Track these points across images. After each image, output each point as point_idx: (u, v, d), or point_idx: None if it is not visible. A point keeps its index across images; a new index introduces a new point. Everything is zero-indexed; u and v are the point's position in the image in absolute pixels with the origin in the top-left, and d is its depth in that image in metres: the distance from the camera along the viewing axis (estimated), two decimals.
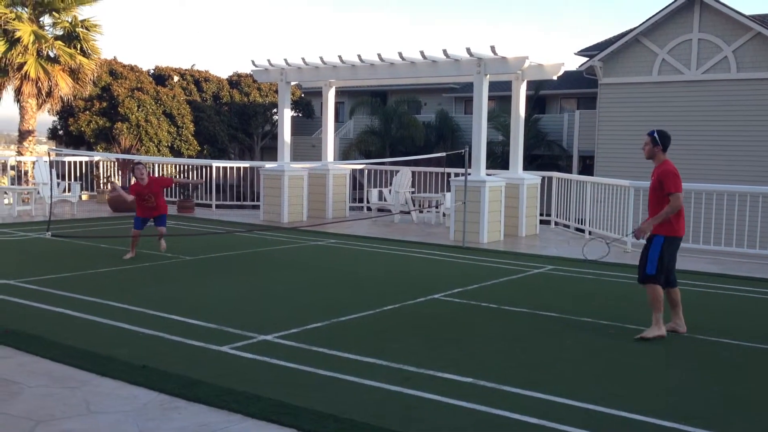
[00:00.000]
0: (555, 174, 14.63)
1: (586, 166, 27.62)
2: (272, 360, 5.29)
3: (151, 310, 6.73)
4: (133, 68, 29.05)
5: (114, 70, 28.14)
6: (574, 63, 36.90)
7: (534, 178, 13.56)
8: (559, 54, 31.43)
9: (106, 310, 6.72)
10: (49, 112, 20.88)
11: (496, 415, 4.29)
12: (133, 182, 10.44)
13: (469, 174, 12.06)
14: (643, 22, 23.78)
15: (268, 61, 14.63)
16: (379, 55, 13.06)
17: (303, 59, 14.13)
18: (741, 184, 19.18)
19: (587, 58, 25.55)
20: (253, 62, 14.81)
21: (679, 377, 5.16)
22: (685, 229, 6.55)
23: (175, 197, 17.87)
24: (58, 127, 28.90)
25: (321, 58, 13.83)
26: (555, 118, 31.20)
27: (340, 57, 13.58)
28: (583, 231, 13.26)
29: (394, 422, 4.14)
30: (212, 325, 6.21)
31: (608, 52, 24.47)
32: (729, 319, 6.97)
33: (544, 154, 29.59)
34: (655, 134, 6.37)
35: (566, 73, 15.22)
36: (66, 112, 26.65)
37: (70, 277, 8.41)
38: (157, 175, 18.73)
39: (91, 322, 6.32)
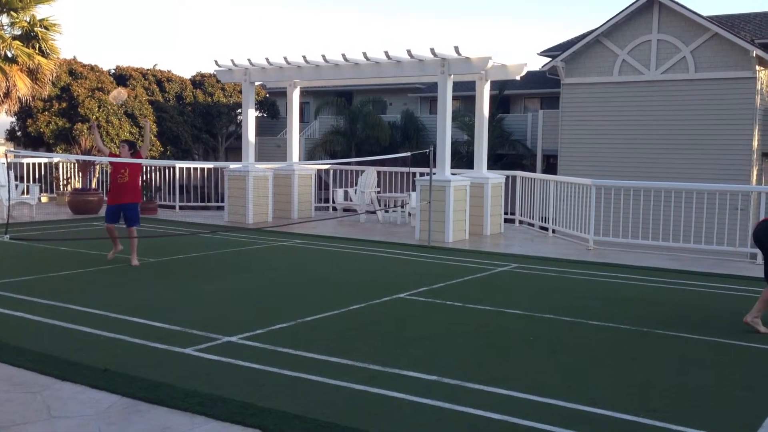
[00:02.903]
0: (519, 173, 14.78)
1: (550, 166, 27.95)
2: (237, 361, 5.26)
3: (113, 313, 6.64)
4: (93, 68, 28.63)
5: (74, 70, 27.70)
6: (538, 63, 37.35)
7: (498, 177, 13.68)
8: (522, 54, 31.66)
9: (66, 313, 6.62)
10: (6, 113, 20.43)
11: (460, 412, 4.33)
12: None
13: (434, 174, 12.12)
14: (604, 23, 24.14)
15: (232, 61, 14.53)
16: (343, 55, 13.05)
17: (267, 59, 14.06)
18: (699, 182, 19.60)
19: (550, 59, 25.86)
20: (216, 62, 14.70)
21: (640, 372, 5.25)
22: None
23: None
24: (17, 128, 28.37)
25: (285, 58, 13.78)
26: (519, 118, 31.51)
27: (304, 57, 13.54)
28: (547, 229, 13.42)
29: (359, 421, 4.15)
30: (176, 328, 6.16)
31: (570, 53, 24.79)
32: (690, 315, 7.11)
33: (508, 153, 29.85)
34: None
35: (530, 73, 15.40)
36: (24, 113, 26.17)
37: (29, 280, 8.26)
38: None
39: (51, 326, 6.22)
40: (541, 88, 31.12)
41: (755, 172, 22.53)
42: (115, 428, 4.08)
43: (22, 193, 15.52)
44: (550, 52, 27.72)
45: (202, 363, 5.25)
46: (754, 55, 21.96)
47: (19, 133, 28.22)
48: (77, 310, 6.74)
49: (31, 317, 6.48)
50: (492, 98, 17.11)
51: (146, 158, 9.75)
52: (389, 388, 4.72)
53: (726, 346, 5.98)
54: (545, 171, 26.98)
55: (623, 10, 23.75)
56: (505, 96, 31.30)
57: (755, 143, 22.43)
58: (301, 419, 4.16)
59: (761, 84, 22.84)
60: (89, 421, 4.19)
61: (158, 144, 27.89)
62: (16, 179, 16.28)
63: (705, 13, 23.85)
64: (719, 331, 6.40)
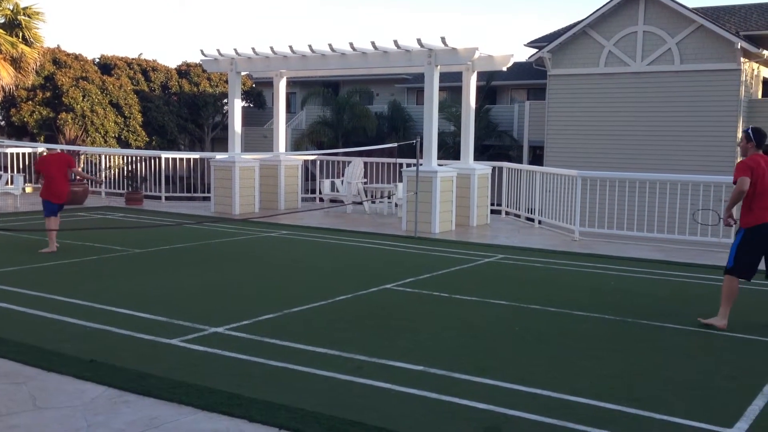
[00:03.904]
0: (505, 164, 14.82)
1: (537, 157, 28.05)
2: (223, 352, 5.27)
3: (99, 304, 6.62)
4: (77, 57, 28.37)
5: (57, 59, 27.45)
6: (524, 54, 37.37)
7: (485, 168, 13.72)
8: (508, 45, 31.76)
9: (52, 304, 6.59)
10: None
11: (446, 402, 4.36)
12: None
13: (421, 164, 12.14)
14: (590, 15, 24.20)
15: (218, 50, 14.45)
16: (330, 45, 13.01)
17: (253, 49, 13.99)
18: (684, 173, 19.72)
19: (537, 50, 25.89)
20: (202, 51, 14.61)
21: (624, 361, 5.30)
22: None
23: (123, 189, 17.56)
24: (0, 117, 28.08)
25: (271, 48, 13.72)
26: (506, 109, 31.57)
27: (290, 47, 13.49)
28: (533, 220, 13.48)
29: (346, 411, 4.17)
30: (162, 319, 6.15)
31: (557, 44, 24.84)
32: (673, 305, 7.18)
33: (495, 144, 29.92)
34: (749, 131, 6.42)
35: (516, 64, 15.44)
36: (7, 103, 25.91)
37: (14, 271, 8.21)
38: (104, 166, 18.40)
39: (36, 317, 6.19)
40: (528, 79, 31.18)
41: None
42: (102, 419, 4.08)
43: (6, 183, 15.39)
44: (537, 43, 27.76)
45: (189, 354, 5.25)
46: (739, 47, 22.10)
47: (2, 123, 27.95)
48: (62, 301, 6.71)
49: (15, 308, 6.45)
50: (479, 89, 17.14)
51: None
52: (376, 378, 4.74)
53: (709, 335, 6.05)
54: (531, 162, 27.08)
55: (609, 1, 23.81)
56: (492, 87, 31.34)
57: (739, 134, 22.59)
58: (287, 409, 4.17)
59: (746, 76, 23.00)
60: (76, 411, 4.18)
61: (144, 134, 27.71)
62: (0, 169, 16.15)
63: (690, 5, 23.96)
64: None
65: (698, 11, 23.41)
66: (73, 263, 8.82)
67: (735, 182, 6.37)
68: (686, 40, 23.09)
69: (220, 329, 5.87)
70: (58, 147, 11.29)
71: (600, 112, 24.40)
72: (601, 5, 24.01)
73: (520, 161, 26.74)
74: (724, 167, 22.02)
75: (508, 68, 13.50)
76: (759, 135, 6.43)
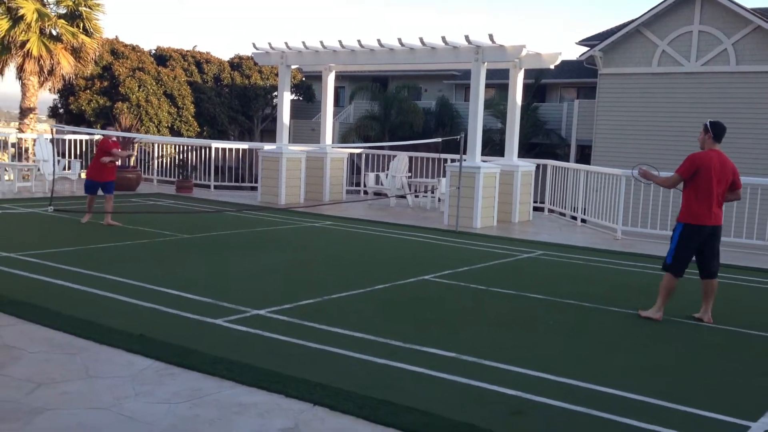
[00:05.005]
0: (550, 162, 14.81)
1: (584, 156, 27.78)
2: (264, 333, 5.50)
3: (149, 284, 6.93)
4: (134, 48, 29.14)
5: (115, 50, 28.23)
6: (575, 53, 37.00)
7: (529, 165, 13.74)
8: (558, 44, 31.50)
9: (105, 283, 6.92)
10: (50, 90, 21.00)
11: (475, 387, 4.51)
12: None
13: (465, 160, 12.24)
14: (645, 13, 23.86)
15: (269, 44, 14.76)
16: (378, 40, 13.20)
17: (303, 43, 14.25)
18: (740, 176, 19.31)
19: (588, 48, 25.64)
20: (254, 45, 14.94)
21: (652, 355, 5.36)
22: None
23: (174, 177, 18.06)
24: (59, 105, 29.03)
25: (321, 42, 13.96)
26: (554, 107, 31.33)
27: (340, 42, 13.71)
28: (576, 219, 13.46)
29: (379, 392, 4.35)
30: (207, 300, 6.42)
31: (609, 43, 24.56)
32: (719, 306, 7.15)
33: (542, 142, 29.74)
34: (707, 123, 6.47)
35: (567, 62, 15.40)
36: (67, 91, 26.78)
37: (71, 251, 8.61)
38: (157, 154, 18.93)
39: (90, 294, 6.52)
40: (578, 77, 30.87)
41: None
42: (148, 388, 4.34)
43: (64, 168, 15.99)
44: (588, 42, 27.47)
45: (232, 333, 5.50)
46: None
47: (61, 111, 28.88)
48: (115, 281, 7.04)
49: (71, 285, 6.80)
50: (527, 87, 17.12)
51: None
52: (409, 362, 4.91)
53: (743, 335, 6.05)
54: (579, 161, 26.82)
55: (665, 0, 23.44)
56: (541, 85, 31.12)
57: None
58: (323, 387, 4.37)
59: None
60: (125, 381, 4.45)
61: (195, 124, 28.33)
62: (58, 155, 16.76)
63: (748, 5, 23.43)
64: (739, 322, 6.48)
65: (756, 12, 22.87)
66: (125, 245, 9.19)
67: (677, 170, 6.33)
68: (743, 41, 22.60)
69: (261, 312, 6.11)
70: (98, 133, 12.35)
71: (651, 112, 24.06)
72: (656, 4, 23.65)
73: (567, 160, 26.53)
74: None
75: (556, 66, 13.50)
76: (717, 128, 6.40)
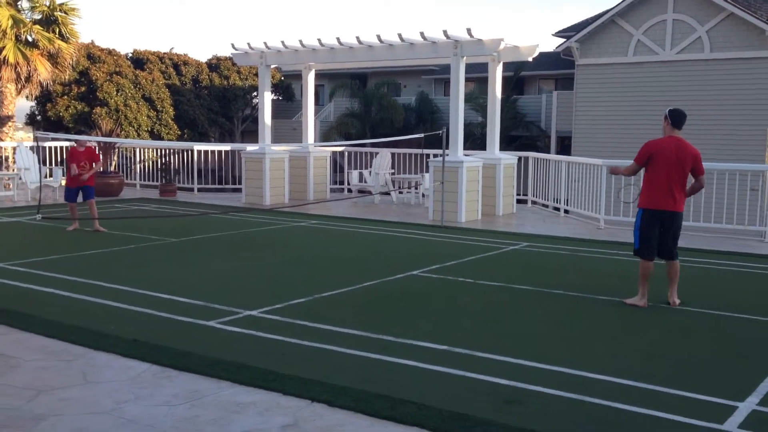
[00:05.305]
0: (531, 154, 14.96)
1: (564, 147, 28.01)
2: (258, 333, 5.56)
3: (140, 289, 6.96)
4: (111, 52, 28.97)
5: (92, 54, 28.05)
6: (552, 44, 37.22)
7: (511, 158, 13.87)
8: (536, 35, 31.69)
9: (96, 290, 6.94)
10: (27, 97, 20.83)
11: (469, 378, 4.60)
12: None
13: (447, 155, 12.34)
14: (619, 3, 24.07)
15: (248, 44, 14.77)
16: (357, 38, 13.25)
17: (282, 42, 14.28)
18: (712, 161, 19.60)
19: (564, 40, 25.84)
20: (232, 45, 14.94)
21: (640, 341, 5.49)
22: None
23: (157, 181, 18.01)
24: (36, 112, 28.79)
25: (300, 41, 14.00)
26: (533, 99, 31.54)
27: (319, 40, 13.76)
28: (559, 210, 13.61)
29: (374, 385, 4.43)
30: (199, 302, 6.46)
31: (585, 33, 24.77)
32: (694, 291, 7.31)
33: (522, 134, 29.92)
34: (667, 111, 6.62)
35: (544, 54, 15.53)
36: (44, 98, 26.57)
37: (59, 259, 8.60)
38: (138, 159, 18.85)
39: (83, 301, 6.54)
40: (556, 69, 31.09)
41: None
42: (147, 392, 4.39)
43: (45, 176, 15.89)
44: (565, 33, 27.69)
45: (226, 334, 5.55)
46: None
47: (38, 118, 28.64)
48: (105, 287, 7.06)
49: (61, 293, 6.81)
50: (506, 80, 17.25)
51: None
52: (402, 356, 5.00)
53: (724, 318, 6.20)
54: (559, 152, 27.05)
55: None
56: (520, 77, 31.31)
57: None
58: (320, 383, 4.44)
59: None
60: (123, 386, 4.49)
61: (176, 127, 28.23)
62: (38, 162, 16.64)
63: None
64: (721, 305, 6.63)
65: None
66: (113, 251, 9.20)
67: (634, 158, 6.57)
68: (716, 28, 22.89)
69: (254, 312, 6.16)
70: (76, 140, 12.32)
71: (629, 101, 24.30)
72: None
73: (547, 151, 26.74)
74: (754, 156, 21.86)
75: (534, 58, 13.62)
76: (675, 115, 6.57)
